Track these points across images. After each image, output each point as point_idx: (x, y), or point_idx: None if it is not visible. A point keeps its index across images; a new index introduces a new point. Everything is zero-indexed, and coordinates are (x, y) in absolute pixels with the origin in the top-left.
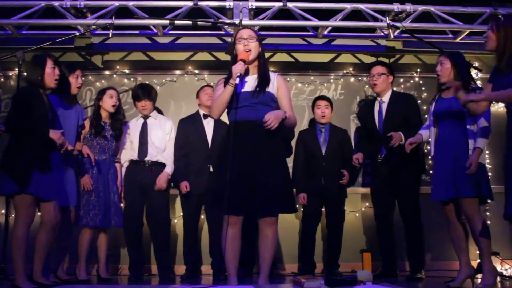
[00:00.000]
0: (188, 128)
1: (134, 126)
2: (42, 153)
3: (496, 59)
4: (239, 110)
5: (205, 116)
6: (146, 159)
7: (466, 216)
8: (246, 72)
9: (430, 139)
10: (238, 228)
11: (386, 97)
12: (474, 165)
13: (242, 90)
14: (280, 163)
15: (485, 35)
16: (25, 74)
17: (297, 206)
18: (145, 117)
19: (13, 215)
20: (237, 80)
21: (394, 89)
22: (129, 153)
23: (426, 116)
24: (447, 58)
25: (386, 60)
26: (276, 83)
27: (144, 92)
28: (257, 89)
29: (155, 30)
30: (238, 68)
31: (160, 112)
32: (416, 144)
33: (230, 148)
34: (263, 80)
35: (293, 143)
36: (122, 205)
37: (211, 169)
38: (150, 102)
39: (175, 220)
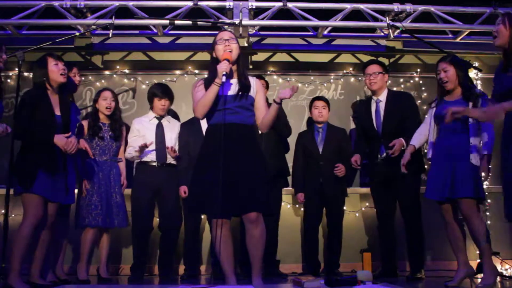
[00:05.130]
0: (188, 131)
1: (146, 126)
2: (51, 157)
3: (504, 57)
4: (220, 113)
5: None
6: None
7: (464, 217)
8: (230, 75)
9: (429, 139)
10: (227, 229)
11: (382, 96)
12: (486, 171)
13: (224, 94)
14: (259, 165)
15: (495, 29)
16: (31, 81)
17: (297, 206)
18: (159, 118)
19: (13, 215)
20: (224, 79)
21: (394, 89)
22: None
23: (426, 115)
24: (450, 64)
25: (386, 60)
26: (255, 87)
27: (165, 91)
28: (240, 93)
29: (155, 30)
30: (223, 67)
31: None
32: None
33: (222, 151)
34: (245, 84)
35: (293, 143)
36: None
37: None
38: (169, 103)
39: None
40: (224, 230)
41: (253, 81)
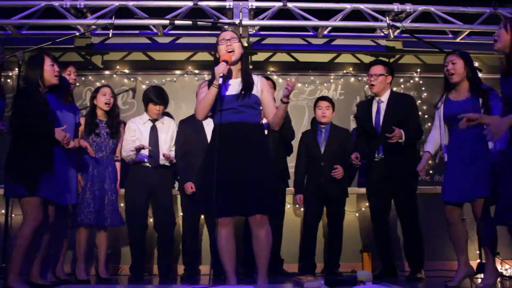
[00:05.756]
0: (188, 128)
1: (141, 128)
2: (47, 153)
3: (505, 61)
4: (224, 112)
5: None
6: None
7: (476, 216)
8: (230, 75)
9: (442, 143)
10: (230, 228)
11: (384, 97)
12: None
13: (227, 93)
14: (264, 164)
15: (496, 34)
16: (23, 75)
17: (297, 206)
18: (154, 120)
19: (13, 215)
20: (220, 81)
21: (394, 89)
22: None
23: (426, 116)
24: (459, 57)
25: (386, 60)
26: (259, 86)
27: (160, 97)
28: (242, 92)
29: (155, 30)
30: (221, 69)
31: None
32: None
33: (216, 151)
34: (248, 83)
35: (296, 143)
36: (122, 204)
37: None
38: (164, 107)
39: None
40: (228, 229)
41: (257, 79)
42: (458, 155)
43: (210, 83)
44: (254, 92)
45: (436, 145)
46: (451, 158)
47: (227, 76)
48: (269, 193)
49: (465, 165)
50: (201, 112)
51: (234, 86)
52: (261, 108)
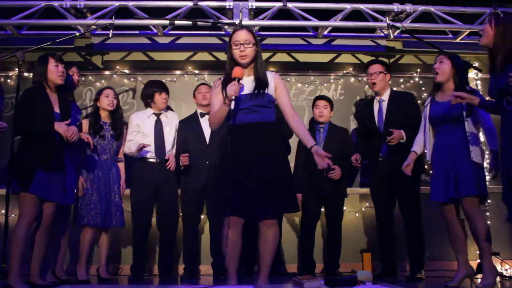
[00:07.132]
0: (187, 127)
1: (146, 123)
2: (47, 152)
3: (489, 57)
4: (238, 113)
5: (202, 115)
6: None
7: (467, 216)
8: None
9: (425, 144)
10: (239, 228)
11: (385, 96)
12: (495, 169)
13: (240, 93)
14: (280, 164)
15: (481, 28)
16: (31, 76)
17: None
18: (158, 114)
19: (13, 215)
20: (232, 104)
21: (395, 88)
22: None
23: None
24: (448, 58)
25: (386, 60)
26: (273, 83)
27: (163, 86)
28: (255, 91)
29: (155, 30)
30: (233, 90)
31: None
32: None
33: (229, 152)
34: (261, 83)
35: (295, 143)
36: (123, 205)
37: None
38: (168, 96)
39: None
40: (237, 229)
41: (271, 77)
42: (443, 155)
43: (224, 82)
44: (267, 90)
45: (422, 146)
46: (436, 158)
47: (237, 93)
48: (282, 194)
49: (450, 165)
50: (215, 124)
51: (247, 85)
52: (274, 106)
